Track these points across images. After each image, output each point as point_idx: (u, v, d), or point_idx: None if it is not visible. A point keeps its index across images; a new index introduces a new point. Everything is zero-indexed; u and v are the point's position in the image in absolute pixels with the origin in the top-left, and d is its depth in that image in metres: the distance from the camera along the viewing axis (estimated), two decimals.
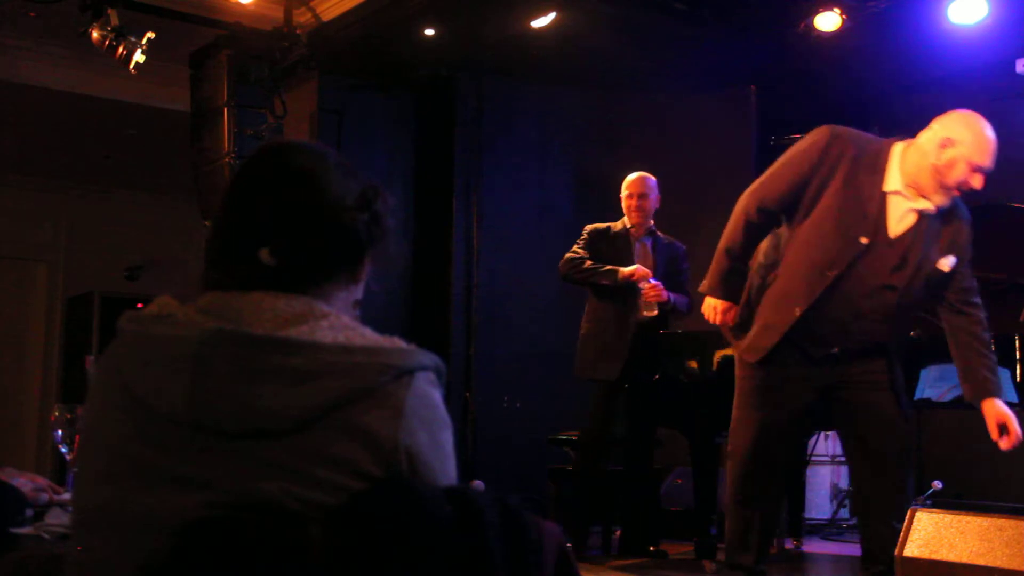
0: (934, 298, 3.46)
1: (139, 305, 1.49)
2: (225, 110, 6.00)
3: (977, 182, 3.24)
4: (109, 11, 5.60)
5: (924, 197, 3.29)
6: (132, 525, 1.21)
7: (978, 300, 3.45)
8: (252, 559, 1.17)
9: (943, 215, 3.34)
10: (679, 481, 5.95)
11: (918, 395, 4.37)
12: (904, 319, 3.52)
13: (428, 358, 1.27)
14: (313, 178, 1.35)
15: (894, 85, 6.55)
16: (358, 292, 1.40)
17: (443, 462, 1.27)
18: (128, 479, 1.22)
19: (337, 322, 1.27)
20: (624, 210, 5.24)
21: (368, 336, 1.27)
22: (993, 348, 4.30)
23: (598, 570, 4.73)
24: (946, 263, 3.34)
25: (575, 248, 5.21)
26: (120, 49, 5.60)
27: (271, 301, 1.27)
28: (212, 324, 1.23)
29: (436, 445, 1.26)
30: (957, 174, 3.23)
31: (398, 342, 1.28)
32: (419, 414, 1.23)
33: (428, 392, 1.26)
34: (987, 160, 3.24)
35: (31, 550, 1.90)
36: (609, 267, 5.08)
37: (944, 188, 3.26)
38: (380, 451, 1.20)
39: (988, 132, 3.26)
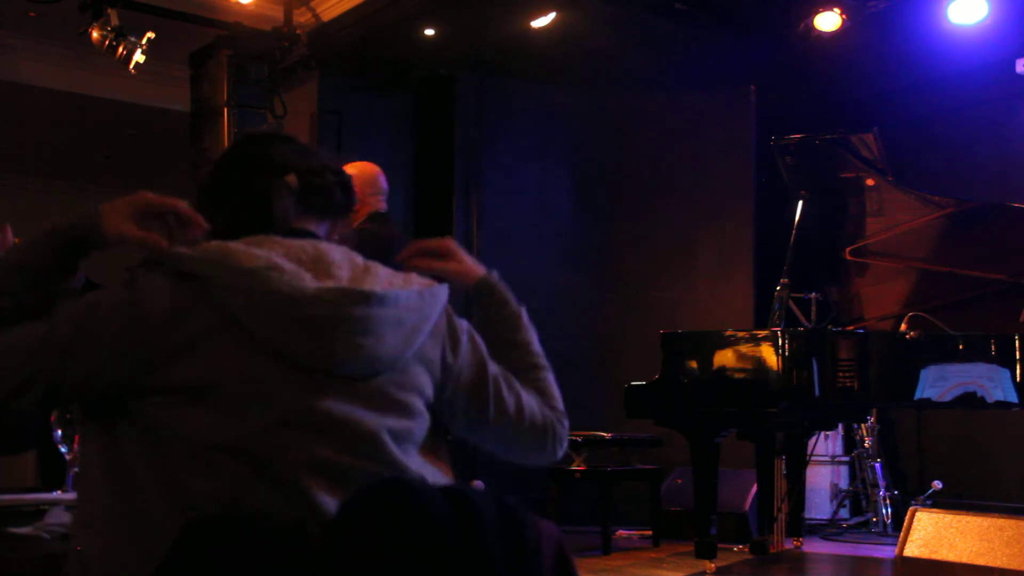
0: None
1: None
2: (225, 110, 6.00)
3: None
4: (109, 11, 5.60)
5: None
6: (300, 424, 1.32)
7: None
8: (252, 560, 1.17)
9: None
10: (679, 481, 5.95)
11: (918, 395, 4.36)
12: None
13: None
14: (296, 142, 1.63)
15: (894, 85, 6.54)
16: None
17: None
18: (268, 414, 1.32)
19: (377, 269, 1.46)
20: None
21: (411, 277, 1.49)
22: (993, 348, 4.32)
23: (597, 569, 4.73)
24: None
25: None
26: (120, 49, 5.60)
27: (325, 249, 1.44)
28: (323, 283, 1.37)
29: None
30: None
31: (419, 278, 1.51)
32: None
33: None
34: None
35: (31, 550, 1.89)
36: None
37: None
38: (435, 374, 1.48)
39: None
